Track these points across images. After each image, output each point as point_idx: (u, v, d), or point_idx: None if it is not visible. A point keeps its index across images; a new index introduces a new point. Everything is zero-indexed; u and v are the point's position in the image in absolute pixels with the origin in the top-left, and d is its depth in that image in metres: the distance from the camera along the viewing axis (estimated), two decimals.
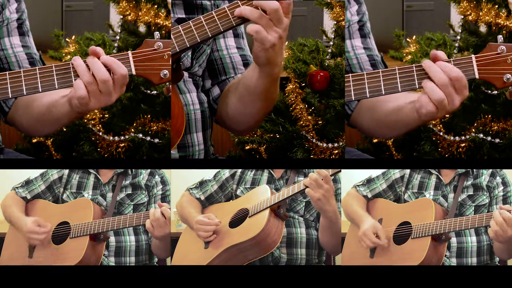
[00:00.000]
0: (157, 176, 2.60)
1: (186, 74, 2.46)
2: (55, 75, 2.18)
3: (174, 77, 2.23)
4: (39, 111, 2.37)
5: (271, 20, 2.14)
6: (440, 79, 2.14)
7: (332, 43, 3.03)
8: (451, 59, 2.16)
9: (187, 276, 2.46)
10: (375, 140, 3.02)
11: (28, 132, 2.63)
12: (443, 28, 3.08)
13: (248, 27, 2.17)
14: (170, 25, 2.88)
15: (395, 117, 2.30)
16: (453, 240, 2.49)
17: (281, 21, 2.15)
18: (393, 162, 2.81)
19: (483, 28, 3.00)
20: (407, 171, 2.57)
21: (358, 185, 2.60)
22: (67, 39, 3.03)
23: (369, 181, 2.59)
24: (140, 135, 2.98)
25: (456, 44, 3.00)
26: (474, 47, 2.96)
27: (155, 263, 2.61)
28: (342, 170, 2.45)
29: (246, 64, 2.52)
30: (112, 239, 2.56)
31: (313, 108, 2.99)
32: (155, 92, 2.98)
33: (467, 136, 2.96)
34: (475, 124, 2.96)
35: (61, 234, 2.54)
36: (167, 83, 2.22)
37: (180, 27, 2.19)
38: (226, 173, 2.61)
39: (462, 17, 3.00)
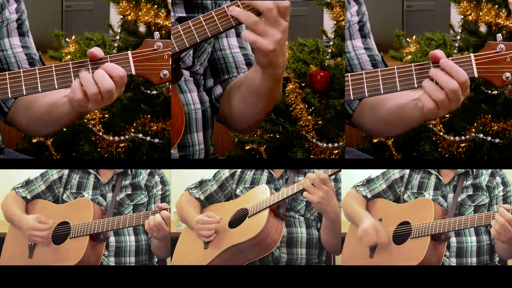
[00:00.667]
0: (156, 176, 2.60)
1: (187, 73, 2.46)
2: (54, 75, 2.18)
3: (174, 77, 2.23)
4: (39, 111, 2.37)
5: (267, 21, 2.13)
6: (451, 86, 2.12)
7: (332, 43, 3.03)
8: (450, 58, 2.15)
9: (187, 276, 2.46)
10: (375, 140, 3.02)
11: (28, 132, 2.63)
12: (443, 28, 3.08)
13: (243, 35, 2.15)
14: (170, 25, 2.88)
15: (399, 115, 2.30)
16: (453, 240, 2.49)
17: (277, 22, 2.13)
18: (393, 162, 2.81)
19: (483, 28, 2.99)
20: (407, 171, 2.57)
21: (357, 185, 2.60)
22: (67, 39, 3.03)
23: (368, 181, 2.59)
24: (140, 135, 2.98)
25: (456, 44, 2.99)
26: (474, 47, 2.96)
27: (155, 263, 2.61)
28: (342, 170, 2.45)
29: (248, 64, 2.52)
30: (112, 239, 2.56)
31: (313, 108, 2.99)
32: (155, 92, 2.98)
33: (467, 136, 2.95)
34: (475, 124, 2.96)
35: (61, 234, 2.54)
36: (167, 83, 2.22)
37: (179, 27, 2.19)
38: (225, 172, 2.61)
39: (462, 17, 3.00)
